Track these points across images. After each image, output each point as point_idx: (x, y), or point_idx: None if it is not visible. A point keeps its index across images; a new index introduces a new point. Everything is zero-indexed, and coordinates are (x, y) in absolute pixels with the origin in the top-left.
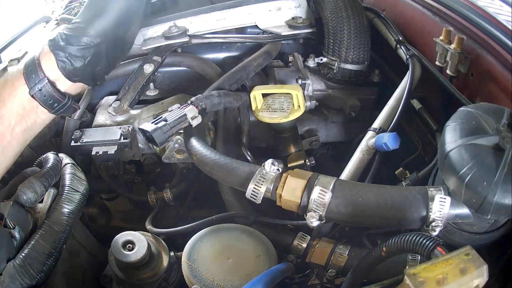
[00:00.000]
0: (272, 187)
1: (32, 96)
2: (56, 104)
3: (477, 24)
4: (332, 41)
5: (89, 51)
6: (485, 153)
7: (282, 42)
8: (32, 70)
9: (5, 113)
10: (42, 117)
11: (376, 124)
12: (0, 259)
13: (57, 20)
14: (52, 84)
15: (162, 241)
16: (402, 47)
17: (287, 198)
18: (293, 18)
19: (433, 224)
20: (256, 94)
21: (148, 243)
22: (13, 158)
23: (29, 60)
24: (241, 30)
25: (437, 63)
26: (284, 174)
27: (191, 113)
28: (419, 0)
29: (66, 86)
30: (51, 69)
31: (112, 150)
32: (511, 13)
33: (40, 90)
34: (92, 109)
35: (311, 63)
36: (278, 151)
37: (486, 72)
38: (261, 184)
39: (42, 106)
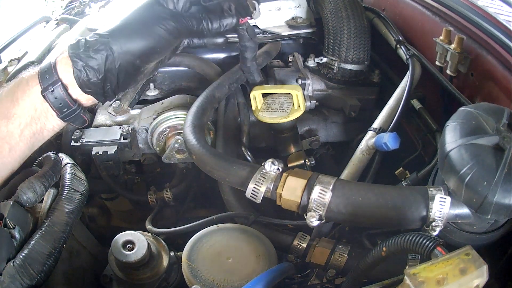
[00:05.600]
0: (272, 187)
1: (43, 96)
2: (65, 109)
3: (477, 24)
4: (332, 41)
5: (104, 66)
6: (485, 153)
7: (282, 42)
8: (47, 71)
9: (17, 112)
10: (52, 122)
11: (376, 124)
12: (0, 259)
13: (57, 20)
14: (65, 87)
15: (162, 241)
16: (402, 47)
17: (287, 197)
18: (293, 18)
19: (433, 224)
20: (256, 94)
21: (148, 243)
22: (19, 161)
23: (46, 64)
24: None
25: (437, 63)
26: (284, 174)
27: None
28: (419, 0)
29: (77, 93)
30: (66, 74)
31: (112, 150)
32: (511, 13)
33: (52, 91)
34: (92, 109)
35: (311, 63)
36: (278, 151)
37: (486, 72)
38: (261, 184)
39: (52, 109)
